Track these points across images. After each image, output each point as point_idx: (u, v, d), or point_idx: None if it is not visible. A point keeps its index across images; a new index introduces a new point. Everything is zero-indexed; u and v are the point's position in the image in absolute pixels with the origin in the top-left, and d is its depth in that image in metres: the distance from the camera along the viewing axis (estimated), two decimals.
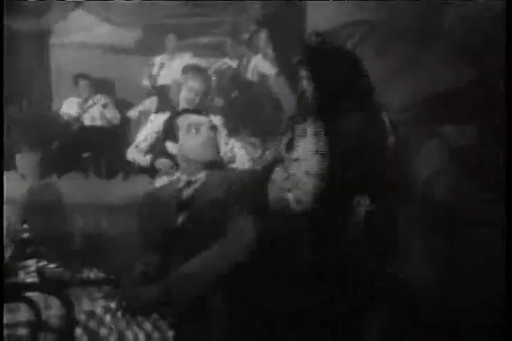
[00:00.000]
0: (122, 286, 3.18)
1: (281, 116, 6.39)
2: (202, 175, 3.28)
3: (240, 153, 4.60)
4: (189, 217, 3.21)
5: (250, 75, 7.30)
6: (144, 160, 4.82)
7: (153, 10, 7.48)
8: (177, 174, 3.35)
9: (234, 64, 7.54)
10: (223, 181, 3.21)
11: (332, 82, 3.19)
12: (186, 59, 7.80)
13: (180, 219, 3.24)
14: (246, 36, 7.41)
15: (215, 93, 6.93)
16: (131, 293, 3.07)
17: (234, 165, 4.53)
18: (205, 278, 3.04)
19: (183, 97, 4.83)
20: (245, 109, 6.55)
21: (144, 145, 4.82)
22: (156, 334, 3.01)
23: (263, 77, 7.09)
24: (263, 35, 7.16)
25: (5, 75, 7.80)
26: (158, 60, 8.00)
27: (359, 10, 5.74)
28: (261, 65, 7.16)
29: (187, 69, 5.24)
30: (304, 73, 3.22)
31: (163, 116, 4.69)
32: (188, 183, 3.28)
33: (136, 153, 4.84)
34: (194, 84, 4.78)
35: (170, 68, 7.65)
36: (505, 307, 2.98)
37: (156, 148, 4.79)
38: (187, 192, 3.27)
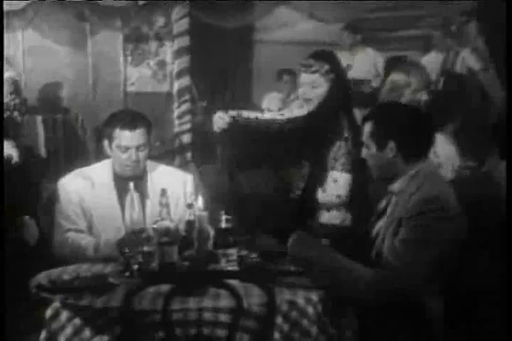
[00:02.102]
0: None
1: (489, 110, 6.15)
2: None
3: (449, 150, 4.33)
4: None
5: (458, 68, 7.08)
6: None
7: (359, 4, 7.38)
8: None
9: (440, 57, 7.37)
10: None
11: None
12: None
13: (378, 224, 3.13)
14: (455, 28, 7.19)
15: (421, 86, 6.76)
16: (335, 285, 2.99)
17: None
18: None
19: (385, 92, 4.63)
20: (452, 102, 6.30)
21: None
22: (349, 332, 2.97)
23: (471, 70, 6.82)
24: (473, 28, 6.89)
25: (212, 69, 8.05)
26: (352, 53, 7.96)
27: None
28: (469, 58, 6.89)
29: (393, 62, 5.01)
30: None
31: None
32: None
33: None
34: (398, 77, 4.53)
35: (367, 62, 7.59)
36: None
37: None
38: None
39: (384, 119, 3.11)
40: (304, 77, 3.90)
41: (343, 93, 3.93)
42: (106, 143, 3.76)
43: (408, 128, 3.05)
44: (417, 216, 2.88)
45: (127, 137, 3.67)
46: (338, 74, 3.91)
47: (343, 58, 7.92)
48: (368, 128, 3.12)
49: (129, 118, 3.69)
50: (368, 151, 3.13)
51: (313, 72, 3.85)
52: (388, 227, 3.01)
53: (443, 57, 7.36)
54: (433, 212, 2.87)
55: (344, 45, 8.03)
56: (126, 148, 3.67)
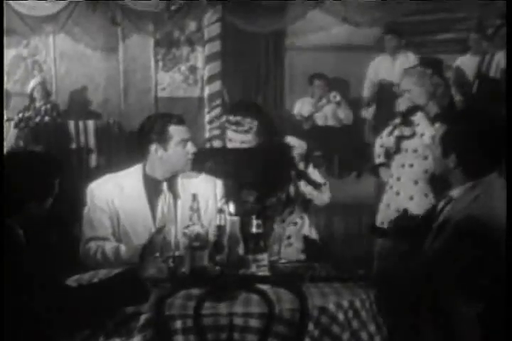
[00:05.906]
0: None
1: None
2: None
3: None
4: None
5: (493, 72, 7.02)
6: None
7: (393, 7, 7.34)
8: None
9: (476, 60, 7.32)
10: None
11: None
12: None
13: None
14: (491, 31, 7.13)
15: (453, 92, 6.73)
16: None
17: None
18: None
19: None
20: (486, 105, 6.25)
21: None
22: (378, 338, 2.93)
23: (505, 73, 6.78)
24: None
25: (243, 74, 8.04)
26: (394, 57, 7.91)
27: None
28: (504, 62, 6.84)
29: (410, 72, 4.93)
30: None
31: None
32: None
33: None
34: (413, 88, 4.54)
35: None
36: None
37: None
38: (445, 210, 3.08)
39: (456, 130, 3.01)
40: (233, 135, 3.88)
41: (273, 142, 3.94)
42: (154, 147, 3.66)
43: (476, 146, 2.96)
44: (458, 231, 2.86)
45: (184, 131, 3.67)
46: (266, 127, 3.91)
47: (384, 62, 7.98)
48: (440, 129, 3.07)
49: (173, 116, 3.73)
50: (434, 152, 3.09)
51: (245, 132, 3.84)
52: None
53: (478, 60, 7.31)
54: (473, 230, 2.84)
55: (388, 49, 7.98)
56: (186, 141, 3.67)
